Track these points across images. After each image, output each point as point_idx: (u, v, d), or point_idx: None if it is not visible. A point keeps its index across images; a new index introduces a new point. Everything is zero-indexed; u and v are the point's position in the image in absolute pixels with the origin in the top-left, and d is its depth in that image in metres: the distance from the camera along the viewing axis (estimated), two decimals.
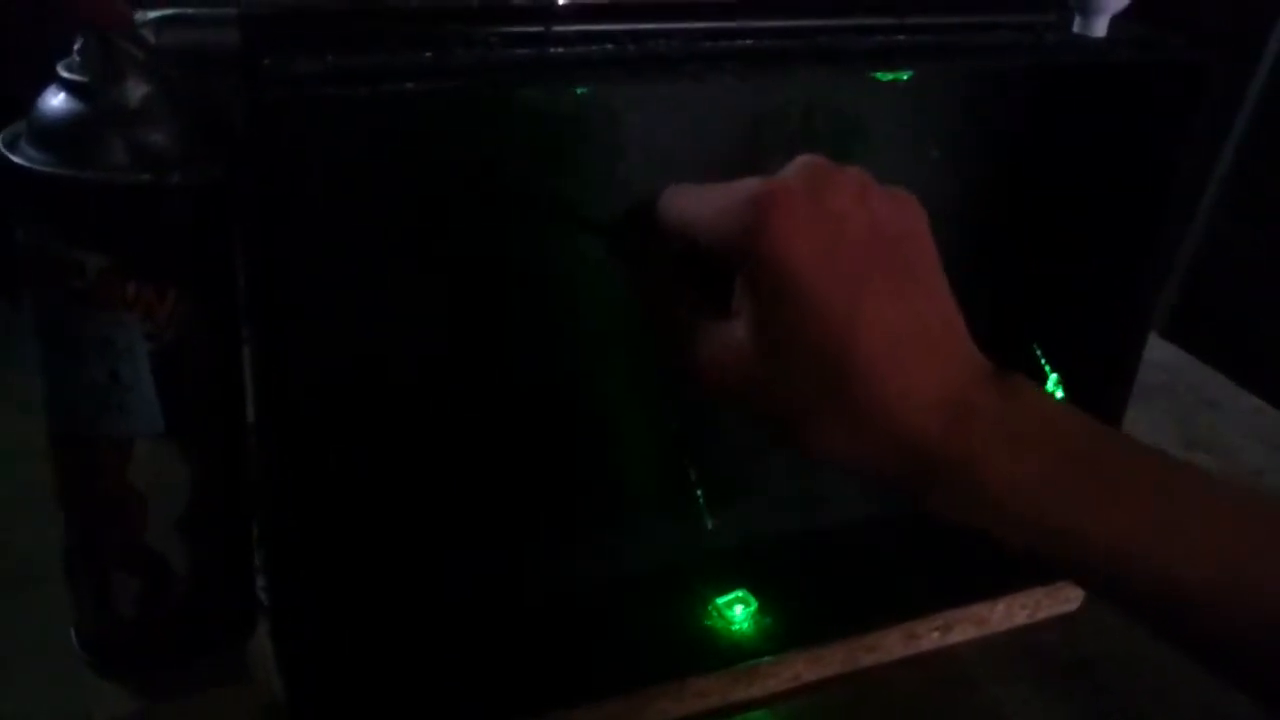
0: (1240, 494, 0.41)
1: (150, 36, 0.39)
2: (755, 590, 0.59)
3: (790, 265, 0.37)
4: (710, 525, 0.60)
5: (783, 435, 0.39)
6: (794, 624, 0.58)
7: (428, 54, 0.42)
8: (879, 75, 0.50)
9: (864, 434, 0.38)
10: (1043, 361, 0.63)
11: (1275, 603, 0.38)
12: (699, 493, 0.59)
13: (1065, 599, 0.65)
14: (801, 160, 0.39)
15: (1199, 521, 0.39)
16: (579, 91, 0.47)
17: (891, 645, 0.59)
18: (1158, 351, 0.87)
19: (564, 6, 0.46)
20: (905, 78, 0.51)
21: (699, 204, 0.40)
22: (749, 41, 0.47)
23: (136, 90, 0.39)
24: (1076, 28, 0.53)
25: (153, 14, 0.39)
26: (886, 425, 0.38)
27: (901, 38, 0.50)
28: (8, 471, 0.70)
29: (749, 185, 0.38)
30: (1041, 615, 0.64)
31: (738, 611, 0.58)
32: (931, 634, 0.61)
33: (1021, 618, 0.64)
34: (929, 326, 0.39)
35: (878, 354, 0.38)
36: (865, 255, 0.38)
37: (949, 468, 0.38)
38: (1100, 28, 0.52)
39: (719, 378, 0.39)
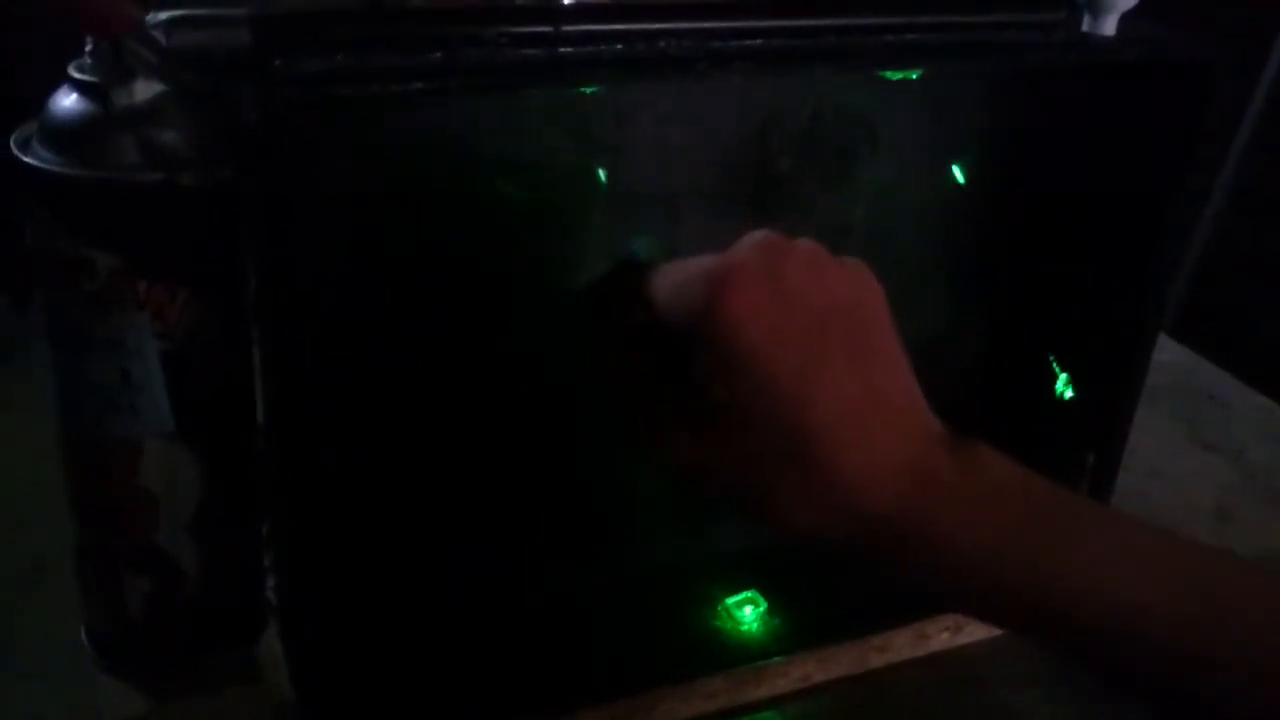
0: (1199, 552, 0.42)
1: (161, 37, 0.39)
2: (765, 590, 0.59)
3: (746, 343, 0.37)
4: (718, 523, 0.60)
5: (744, 508, 0.40)
6: (804, 624, 0.58)
7: (437, 54, 0.42)
8: (888, 74, 0.50)
9: (824, 506, 0.39)
10: (1052, 362, 0.63)
11: (1237, 658, 0.39)
12: None
13: None
14: (754, 236, 0.40)
15: (1161, 583, 0.39)
16: (587, 91, 0.47)
17: (902, 646, 0.59)
18: (1166, 351, 0.87)
19: (571, 6, 0.46)
20: (914, 77, 0.51)
21: (658, 281, 0.41)
22: (758, 41, 0.47)
23: (148, 91, 0.39)
24: (1085, 27, 0.52)
25: (164, 15, 0.39)
26: (846, 497, 0.38)
27: (910, 37, 0.50)
28: (17, 472, 0.70)
29: (703, 263, 0.39)
30: None
31: (747, 612, 0.58)
32: (942, 634, 0.60)
33: None
34: (885, 397, 0.40)
35: (834, 427, 0.38)
36: (820, 329, 0.39)
37: (908, 536, 0.39)
38: (1109, 27, 0.52)
39: (680, 451, 0.40)
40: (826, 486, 0.38)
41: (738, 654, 0.56)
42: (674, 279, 0.40)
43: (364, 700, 0.51)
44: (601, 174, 0.50)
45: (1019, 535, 0.39)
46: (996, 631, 0.62)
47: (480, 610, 0.54)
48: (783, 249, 0.39)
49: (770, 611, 0.58)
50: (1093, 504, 0.41)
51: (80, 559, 0.46)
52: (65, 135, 0.39)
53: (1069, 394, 0.63)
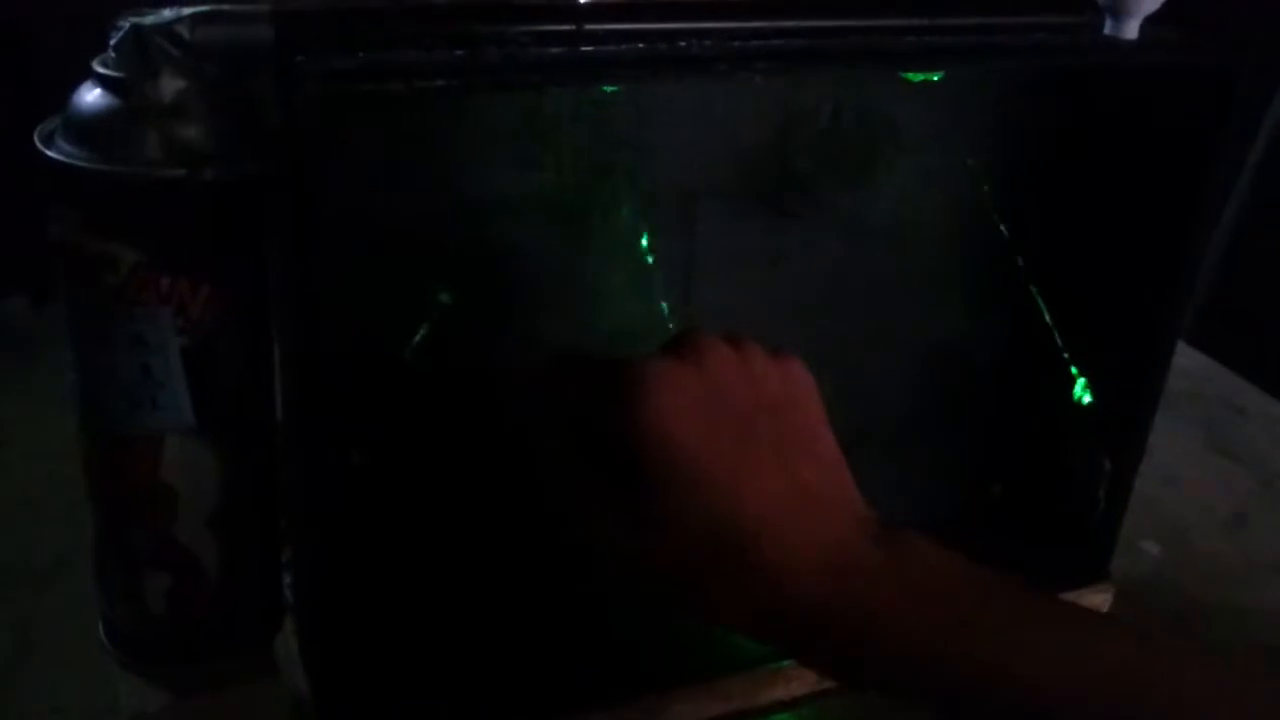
0: (1134, 644, 0.41)
1: (185, 33, 0.39)
2: None
3: (672, 441, 0.38)
4: None
5: (678, 604, 0.40)
6: None
7: (459, 51, 0.42)
8: (909, 76, 0.50)
9: (755, 601, 0.39)
10: (1071, 365, 0.63)
11: None
12: None
13: (1091, 605, 0.64)
14: (683, 334, 0.41)
15: (1087, 679, 0.39)
16: (609, 90, 0.47)
17: None
18: (1184, 358, 0.87)
19: (594, 5, 0.46)
20: (936, 78, 0.51)
21: (582, 379, 0.41)
22: (779, 41, 0.47)
23: (172, 86, 0.39)
24: (1107, 30, 0.52)
25: (188, 10, 0.40)
26: (777, 592, 0.39)
27: (932, 38, 0.50)
28: (35, 467, 0.71)
29: (630, 362, 0.39)
30: None
31: None
32: None
33: None
34: (814, 491, 0.40)
35: (763, 523, 0.39)
36: (747, 426, 0.40)
37: (840, 628, 0.39)
38: (1131, 30, 0.52)
39: (611, 549, 0.40)
40: (755, 582, 0.39)
41: (754, 655, 0.56)
42: (599, 379, 0.40)
43: (380, 698, 0.51)
44: (622, 172, 0.50)
45: (951, 621, 0.39)
46: None
47: (494, 610, 0.54)
48: (710, 346, 0.40)
49: None
50: (1025, 590, 0.41)
51: (99, 554, 0.46)
52: (89, 130, 0.39)
53: (1087, 398, 0.62)
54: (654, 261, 0.53)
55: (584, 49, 0.44)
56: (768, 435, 0.40)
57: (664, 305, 0.54)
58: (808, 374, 0.43)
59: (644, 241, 0.52)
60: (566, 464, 0.42)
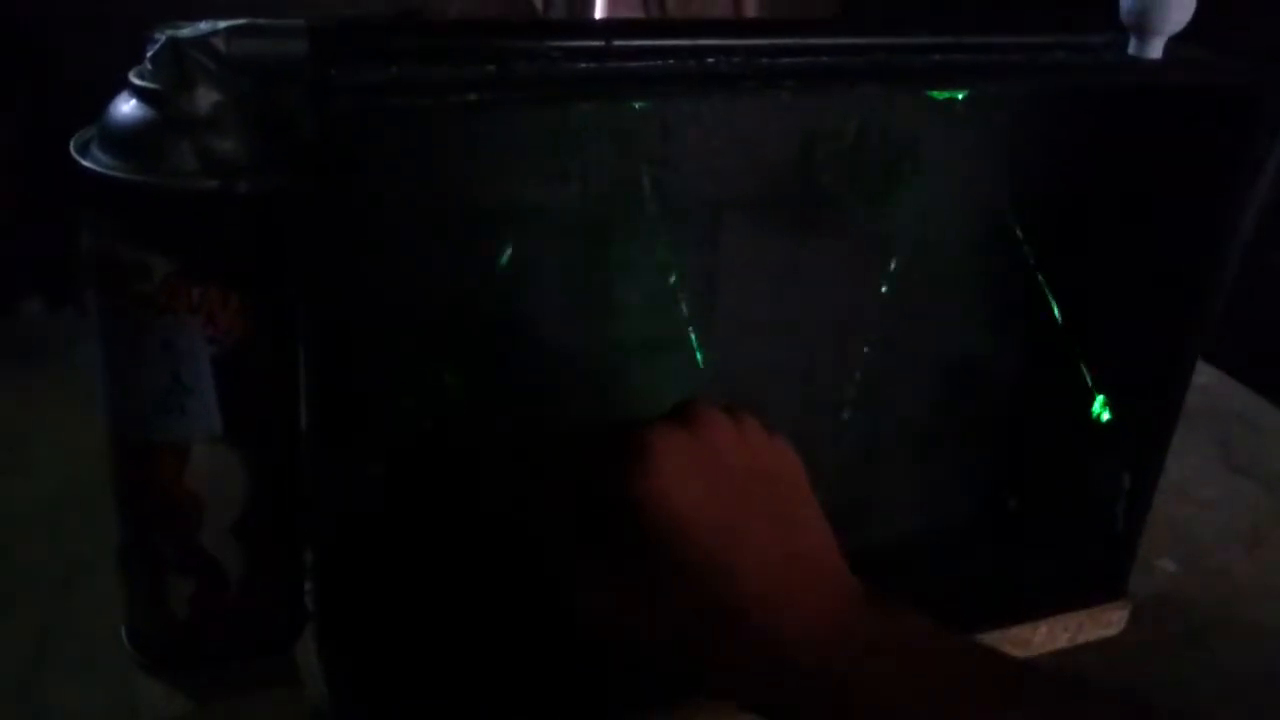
0: (1119, 706, 0.42)
1: (221, 46, 0.40)
2: None
3: (671, 504, 0.39)
4: None
5: (666, 665, 0.41)
6: None
7: (490, 67, 0.43)
8: (934, 94, 0.51)
9: (749, 667, 0.40)
10: (1090, 383, 0.63)
11: None
12: None
13: (1107, 623, 0.65)
14: (684, 403, 0.42)
15: None
16: (637, 106, 0.48)
17: None
18: (1200, 374, 0.86)
19: (623, 21, 0.47)
20: (960, 97, 0.52)
21: (584, 449, 0.43)
22: (806, 59, 0.48)
23: (207, 98, 0.39)
24: (1132, 49, 0.52)
25: (223, 24, 0.40)
26: (773, 658, 0.40)
27: (957, 57, 0.50)
28: (53, 471, 0.71)
29: (632, 430, 0.41)
30: (1083, 639, 0.64)
31: None
32: None
33: (1063, 640, 0.64)
34: (806, 561, 0.42)
35: (757, 590, 0.40)
36: (743, 494, 0.41)
37: (827, 691, 0.40)
38: (1156, 50, 0.52)
39: (608, 614, 0.41)
40: (751, 646, 0.40)
41: None
42: (601, 446, 0.41)
43: (398, 705, 0.51)
44: (648, 186, 0.50)
45: (934, 688, 0.40)
46: (1029, 653, 0.62)
47: (513, 618, 0.55)
48: (709, 417, 0.42)
49: None
50: (1007, 657, 0.42)
51: (124, 559, 0.47)
52: (124, 140, 0.39)
53: (1107, 415, 0.62)
54: (678, 275, 0.53)
55: (613, 65, 0.44)
56: (763, 504, 0.41)
57: (687, 318, 0.54)
58: (795, 453, 0.45)
59: (668, 255, 0.52)
60: (566, 535, 0.43)
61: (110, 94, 0.41)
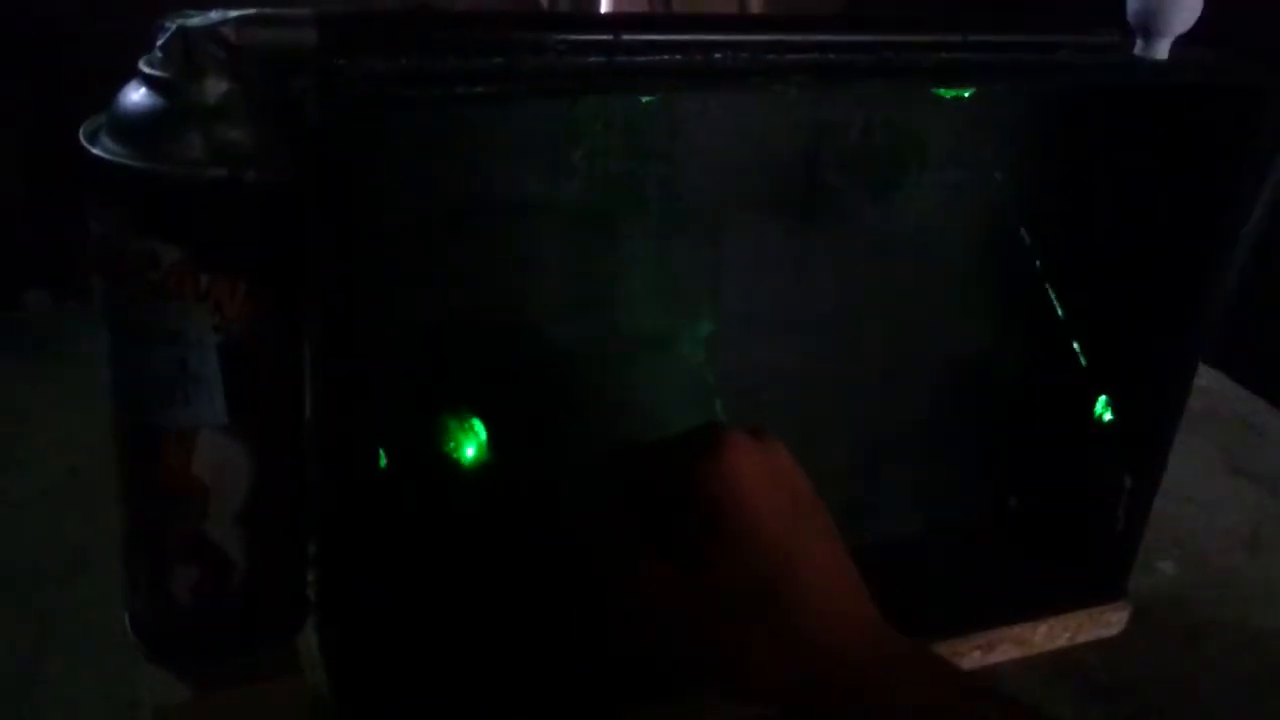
0: None
1: (230, 35, 0.40)
2: None
3: (736, 495, 0.41)
4: None
5: (711, 667, 0.42)
6: None
7: (498, 59, 0.43)
8: (940, 91, 0.51)
9: (793, 658, 0.41)
10: (1093, 383, 0.63)
11: None
12: None
13: (1106, 623, 0.65)
14: (751, 425, 0.45)
15: None
16: (643, 100, 0.48)
17: None
18: (1201, 377, 0.87)
19: (631, 15, 0.47)
20: (966, 95, 0.52)
21: (655, 447, 0.45)
22: (813, 55, 0.48)
23: (216, 88, 0.39)
24: (1138, 50, 0.53)
25: (233, 14, 0.40)
26: (815, 654, 0.41)
27: (964, 55, 0.50)
28: (55, 461, 0.71)
29: (704, 428, 0.43)
30: (1082, 638, 0.64)
31: None
32: (973, 653, 0.60)
33: (1063, 640, 0.64)
34: (852, 574, 0.44)
35: (812, 589, 0.42)
36: (802, 504, 0.43)
37: (869, 692, 0.41)
38: (1162, 50, 0.52)
39: (659, 608, 0.43)
40: (798, 642, 0.41)
41: None
42: (674, 443, 0.44)
43: (400, 697, 0.51)
44: (653, 180, 0.50)
45: (958, 700, 0.42)
46: (1028, 651, 0.63)
47: (516, 610, 0.55)
48: (771, 437, 0.44)
49: None
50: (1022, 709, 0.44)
51: (128, 548, 0.47)
52: (133, 128, 0.39)
53: (1109, 416, 0.63)
54: (682, 269, 0.53)
55: (620, 59, 0.44)
56: (816, 518, 0.44)
57: (691, 313, 0.54)
58: None
59: (672, 249, 0.52)
60: (618, 525, 0.45)
61: (114, 84, 0.41)
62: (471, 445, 0.52)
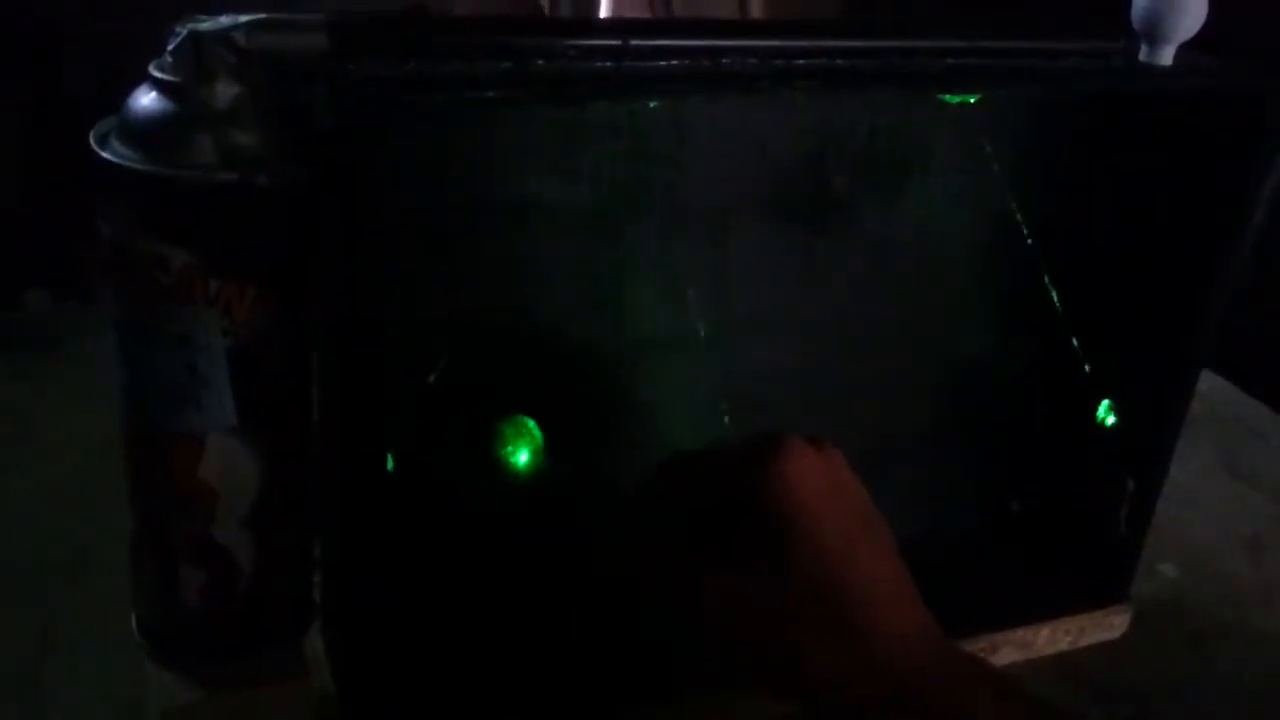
0: None
1: (241, 39, 0.40)
2: None
3: (799, 498, 0.42)
4: None
5: (776, 667, 0.43)
6: None
7: (507, 64, 0.43)
8: (947, 97, 0.51)
9: (851, 659, 0.42)
10: (1096, 387, 0.63)
11: None
12: None
13: (1109, 626, 0.65)
14: (811, 436, 0.45)
15: None
16: (652, 105, 0.48)
17: None
18: (1203, 381, 0.87)
19: (639, 21, 0.47)
20: (972, 100, 0.52)
21: (714, 455, 0.45)
22: (821, 61, 0.48)
23: (226, 92, 0.40)
24: (1143, 56, 0.53)
25: (243, 18, 0.40)
26: (882, 654, 0.42)
27: (970, 61, 0.51)
28: (58, 462, 0.71)
29: (765, 436, 0.44)
30: (1085, 641, 0.64)
31: None
32: (978, 655, 0.61)
33: (1065, 643, 0.64)
34: (907, 581, 0.45)
35: (871, 594, 0.43)
36: (859, 511, 0.45)
37: (926, 696, 0.42)
38: (1167, 57, 0.53)
39: (722, 606, 0.43)
40: (862, 642, 0.42)
41: None
42: (733, 451, 0.45)
43: (405, 698, 0.51)
44: (660, 185, 0.50)
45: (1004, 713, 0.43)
46: (1031, 654, 0.63)
47: (522, 612, 0.55)
48: (830, 447, 0.46)
49: None
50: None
51: (136, 549, 0.47)
52: (144, 132, 0.40)
53: (1111, 419, 0.63)
54: (688, 273, 0.53)
55: (629, 64, 0.45)
56: (873, 525, 0.45)
57: (697, 318, 0.54)
58: None
59: (679, 253, 0.53)
60: (684, 539, 0.45)
61: (114, 84, 0.41)
62: (479, 447, 0.52)
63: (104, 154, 0.40)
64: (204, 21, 0.40)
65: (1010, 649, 0.62)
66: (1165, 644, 0.65)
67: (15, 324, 0.94)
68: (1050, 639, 0.63)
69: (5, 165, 1.37)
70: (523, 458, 0.52)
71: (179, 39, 0.39)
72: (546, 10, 1.59)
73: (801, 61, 0.47)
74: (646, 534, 0.47)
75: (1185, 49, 0.53)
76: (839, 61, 0.48)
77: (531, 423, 0.52)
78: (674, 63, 0.45)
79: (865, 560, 0.43)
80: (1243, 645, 0.66)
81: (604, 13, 1.76)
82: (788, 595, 0.42)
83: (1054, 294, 0.62)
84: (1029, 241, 0.60)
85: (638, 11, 1.75)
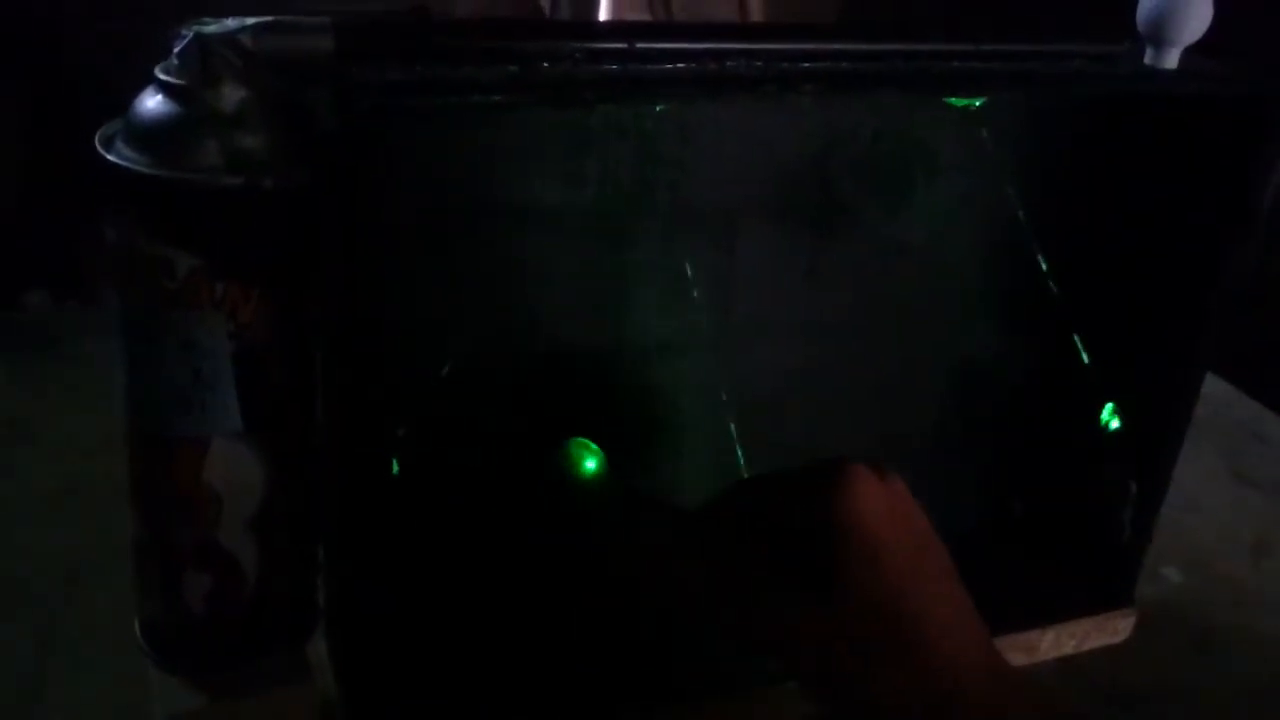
0: None
1: (247, 42, 0.40)
2: None
3: (865, 523, 0.43)
4: None
5: (834, 685, 0.43)
6: None
7: (513, 67, 0.43)
8: (952, 100, 0.51)
9: (915, 682, 0.42)
10: (1100, 391, 0.63)
11: None
12: None
13: (1113, 630, 0.65)
14: (872, 461, 0.46)
15: None
16: (658, 109, 0.48)
17: None
18: (1206, 384, 0.87)
19: (645, 24, 0.47)
20: (977, 104, 0.52)
21: (778, 479, 0.46)
22: (826, 64, 0.48)
23: (233, 95, 0.39)
24: (1148, 59, 0.53)
25: (249, 20, 0.40)
26: (936, 676, 0.42)
27: (975, 64, 0.50)
28: (58, 465, 0.71)
29: (830, 462, 0.45)
30: (1089, 646, 0.64)
31: None
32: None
33: (1069, 647, 0.64)
34: (968, 604, 0.45)
35: (934, 616, 0.43)
36: (922, 537, 0.45)
37: (988, 717, 0.42)
38: (1172, 60, 0.52)
39: (786, 632, 0.44)
40: (920, 664, 0.42)
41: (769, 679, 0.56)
42: (797, 475, 0.45)
43: (410, 703, 0.51)
44: (665, 187, 0.50)
45: None
46: (1035, 659, 0.63)
47: (526, 616, 0.55)
48: (892, 473, 0.46)
49: None
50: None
51: (140, 554, 0.47)
52: (150, 135, 0.39)
53: (1115, 423, 0.63)
54: (693, 276, 0.53)
55: (634, 67, 0.44)
56: (935, 553, 0.45)
57: (701, 320, 0.54)
58: None
59: (684, 256, 0.52)
60: (746, 563, 0.46)
61: (114, 84, 0.41)
62: (484, 450, 0.52)
63: (110, 157, 0.39)
64: (209, 24, 0.40)
65: (1014, 653, 0.62)
66: (1169, 648, 0.65)
67: (15, 325, 0.94)
68: (1054, 643, 0.63)
69: (5, 165, 1.37)
70: (590, 466, 0.53)
71: (184, 42, 0.39)
72: (547, 11, 1.59)
73: (806, 65, 0.47)
74: (706, 551, 0.47)
75: (1190, 52, 0.53)
76: (844, 65, 0.48)
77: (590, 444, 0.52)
78: (679, 66, 0.45)
79: (926, 583, 0.44)
80: (1247, 648, 0.66)
81: (604, 14, 1.76)
82: (852, 621, 0.43)
83: (1058, 297, 0.62)
84: (1033, 244, 0.60)
85: (637, 13, 1.75)
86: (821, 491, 0.44)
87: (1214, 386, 0.90)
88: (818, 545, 0.43)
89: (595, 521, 0.54)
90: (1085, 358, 0.62)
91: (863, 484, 0.44)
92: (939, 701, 0.42)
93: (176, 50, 0.39)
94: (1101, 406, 0.63)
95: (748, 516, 0.47)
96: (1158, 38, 0.52)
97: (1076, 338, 0.62)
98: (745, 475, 0.59)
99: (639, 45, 0.45)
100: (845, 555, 0.43)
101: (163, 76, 0.40)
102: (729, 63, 0.46)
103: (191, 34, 0.39)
